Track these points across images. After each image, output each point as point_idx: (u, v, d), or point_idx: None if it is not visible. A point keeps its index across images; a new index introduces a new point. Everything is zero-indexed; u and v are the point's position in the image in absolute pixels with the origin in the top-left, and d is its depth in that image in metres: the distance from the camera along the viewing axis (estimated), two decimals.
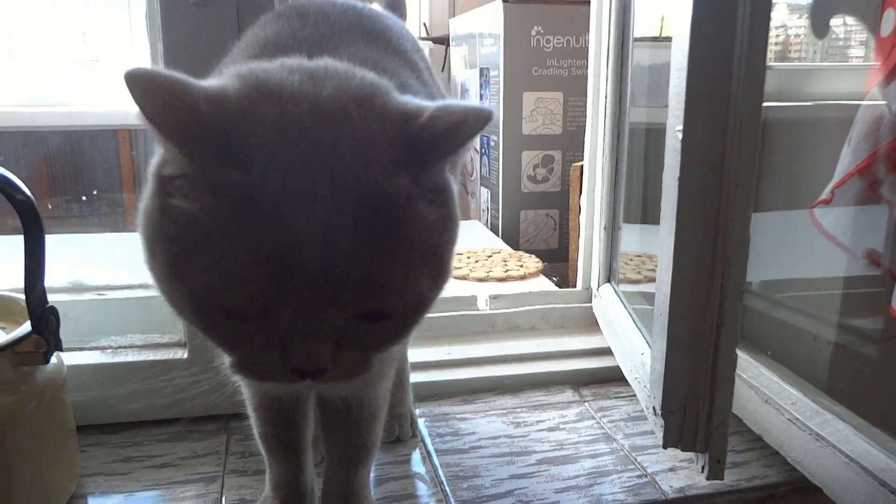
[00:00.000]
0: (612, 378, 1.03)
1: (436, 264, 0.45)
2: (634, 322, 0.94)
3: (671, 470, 0.84)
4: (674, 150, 0.69)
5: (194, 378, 0.89)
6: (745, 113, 0.66)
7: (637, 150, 1.10)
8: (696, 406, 0.73)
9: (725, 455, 0.73)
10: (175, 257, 0.42)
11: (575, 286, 1.63)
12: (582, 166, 1.62)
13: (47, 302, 0.70)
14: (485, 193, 1.92)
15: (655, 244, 1.14)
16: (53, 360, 0.74)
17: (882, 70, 0.76)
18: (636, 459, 0.86)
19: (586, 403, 0.99)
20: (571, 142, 1.79)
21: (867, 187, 0.79)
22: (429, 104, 0.45)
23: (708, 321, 0.71)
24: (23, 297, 0.75)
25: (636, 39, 1.04)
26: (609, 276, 1.07)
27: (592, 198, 1.10)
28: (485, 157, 1.89)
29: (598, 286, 1.08)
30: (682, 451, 0.75)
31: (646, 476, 0.83)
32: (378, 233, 0.41)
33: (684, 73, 0.67)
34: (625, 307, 0.99)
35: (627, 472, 0.83)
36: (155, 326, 0.91)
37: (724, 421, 0.72)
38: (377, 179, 0.41)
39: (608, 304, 1.04)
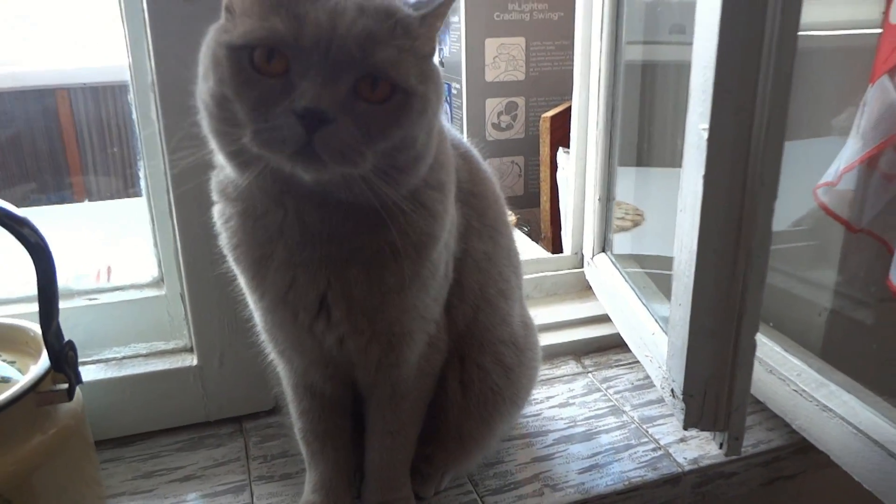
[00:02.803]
0: (611, 345, 1.06)
1: (419, 68, 0.57)
2: (639, 298, 0.96)
3: (682, 441, 0.88)
4: (697, 148, 0.69)
5: (205, 383, 0.87)
6: (772, 109, 0.66)
7: (631, 90, 1.08)
8: (716, 389, 0.76)
9: (744, 433, 0.77)
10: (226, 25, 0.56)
11: (544, 237, 1.64)
12: (552, 117, 1.62)
13: (64, 337, 0.66)
14: None
15: (650, 190, 1.12)
16: None
17: (893, 59, 0.77)
18: (648, 432, 0.89)
19: (590, 374, 1.01)
20: (534, 88, 1.77)
21: (877, 172, 0.81)
22: None
23: (730, 311, 0.73)
24: (29, 324, 0.74)
25: None
26: (604, 245, 1.08)
27: (583, 166, 1.09)
28: (447, 106, 1.85)
29: (593, 255, 1.09)
30: (702, 430, 0.78)
31: (660, 449, 0.86)
32: (380, 24, 0.55)
33: (711, 70, 0.66)
34: (625, 280, 1.01)
35: (642, 447, 0.87)
36: (157, 333, 0.88)
37: (743, 402, 0.75)
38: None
39: (606, 275, 1.05)
